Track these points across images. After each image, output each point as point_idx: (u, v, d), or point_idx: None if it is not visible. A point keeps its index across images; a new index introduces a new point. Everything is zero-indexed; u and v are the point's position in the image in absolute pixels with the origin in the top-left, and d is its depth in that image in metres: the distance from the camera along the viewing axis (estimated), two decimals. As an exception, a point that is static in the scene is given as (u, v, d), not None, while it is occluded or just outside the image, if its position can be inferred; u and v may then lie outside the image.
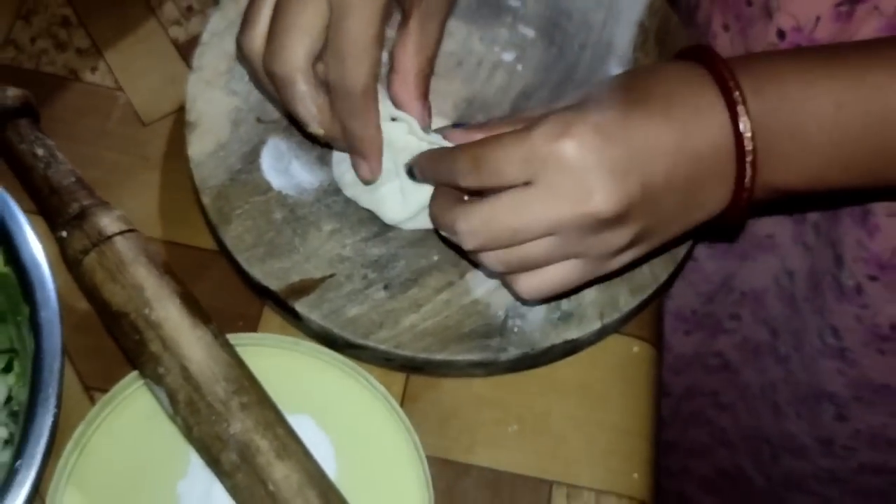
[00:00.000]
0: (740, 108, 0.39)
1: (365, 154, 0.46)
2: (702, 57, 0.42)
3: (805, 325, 0.65)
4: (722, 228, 0.44)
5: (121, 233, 0.45)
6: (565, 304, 0.49)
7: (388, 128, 0.47)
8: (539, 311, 0.49)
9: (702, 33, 0.59)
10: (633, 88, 0.41)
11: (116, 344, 0.46)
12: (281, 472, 0.41)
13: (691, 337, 0.74)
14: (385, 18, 0.43)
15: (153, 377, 0.43)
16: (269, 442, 0.42)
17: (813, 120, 0.40)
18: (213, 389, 0.42)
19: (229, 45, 0.54)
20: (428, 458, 0.46)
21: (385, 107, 0.47)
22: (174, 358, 0.43)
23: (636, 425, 0.50)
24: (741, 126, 0.40)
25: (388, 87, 0.47)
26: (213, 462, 0.42)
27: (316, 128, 0.45)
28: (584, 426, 0.50)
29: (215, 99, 0.52)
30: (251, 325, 0.50)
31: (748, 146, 0.39)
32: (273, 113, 0.52)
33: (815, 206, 0.56)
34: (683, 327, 0.73)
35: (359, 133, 0.45)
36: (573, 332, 0.49)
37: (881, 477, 0.74)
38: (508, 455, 0.49)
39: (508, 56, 0.56)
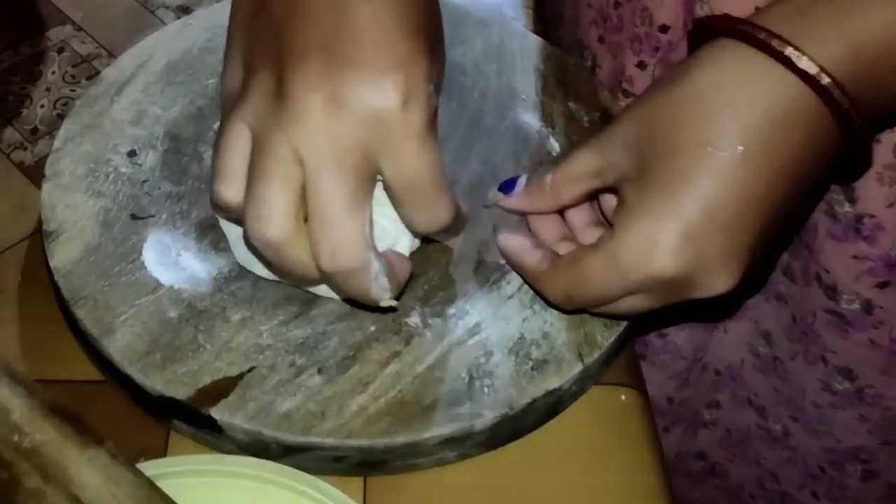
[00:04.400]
0: (807, 63, 0.34)
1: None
2: (721, 33, 0.37)
3: (801, 387, 0.58)
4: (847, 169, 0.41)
5: (-29, 352, 0.35)
6: (536, 352, 0.41)
7: None
8: (508, 365, 0.41)
9: (616, 71, 0.55)
10: (685, 130, 0.36)
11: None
12: None
13: (670, 435, 0.66)
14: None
15: (34, 524, 0.32)
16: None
17: (874, 40, 0.35)
18: (118, 519, 0.32)
19: (88, 147, 0.46)
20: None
21: None
22: (60, 489, 0.32)
23: (643, 481, 0.42)
24: (806, 70, 0.34)
25: None
26: None
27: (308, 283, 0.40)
28: (585, 495, 0.41)
29: (78, 203, 0.44)
30: (157, 457, 0.40)
31: (835, 93, 0.34)
32: (150, 208, 0.45)
33: None
34: (661, 423, 0.65)
35: (353, 294, 0.37)
36: (553, 381, 0.41)
37: None
38: (508, 548, 0.39)
39: (408, 115, 0.50)
